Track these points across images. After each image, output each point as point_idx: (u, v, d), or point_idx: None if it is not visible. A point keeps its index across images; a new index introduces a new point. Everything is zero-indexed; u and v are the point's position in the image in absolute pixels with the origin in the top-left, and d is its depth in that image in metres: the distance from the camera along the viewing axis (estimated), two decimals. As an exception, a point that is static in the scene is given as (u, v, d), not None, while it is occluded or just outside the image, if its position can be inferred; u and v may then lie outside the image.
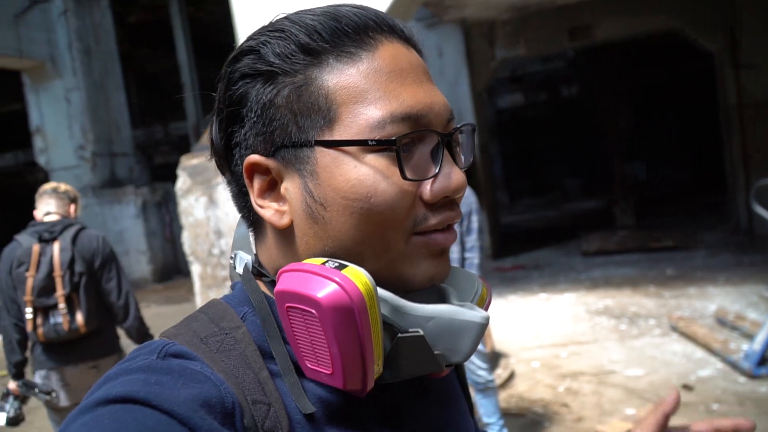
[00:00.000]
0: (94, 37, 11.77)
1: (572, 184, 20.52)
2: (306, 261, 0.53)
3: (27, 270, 2.64)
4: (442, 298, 0.60)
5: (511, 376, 4.23)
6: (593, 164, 17.79)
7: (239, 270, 0.61)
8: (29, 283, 2.63)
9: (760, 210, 4.60)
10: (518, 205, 18.24)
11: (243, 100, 0.56)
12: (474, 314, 0.54)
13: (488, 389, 2.98)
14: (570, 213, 14.31)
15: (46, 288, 2.64)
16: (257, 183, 0.57)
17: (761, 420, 3.20)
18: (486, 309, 0.61)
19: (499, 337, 5.17)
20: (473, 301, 0.61)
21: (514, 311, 6.06)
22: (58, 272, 2.65)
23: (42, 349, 2.72)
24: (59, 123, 11.24)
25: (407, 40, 0.58)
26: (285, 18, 0.56)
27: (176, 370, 0.49)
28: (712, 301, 5.47)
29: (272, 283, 0.58)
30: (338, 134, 0.53)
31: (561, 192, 20.19)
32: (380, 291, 0.52)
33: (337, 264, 0.51)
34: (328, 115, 0.53)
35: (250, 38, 0.57)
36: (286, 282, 0.51)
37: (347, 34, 0.54)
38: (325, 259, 0.53)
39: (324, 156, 0.53)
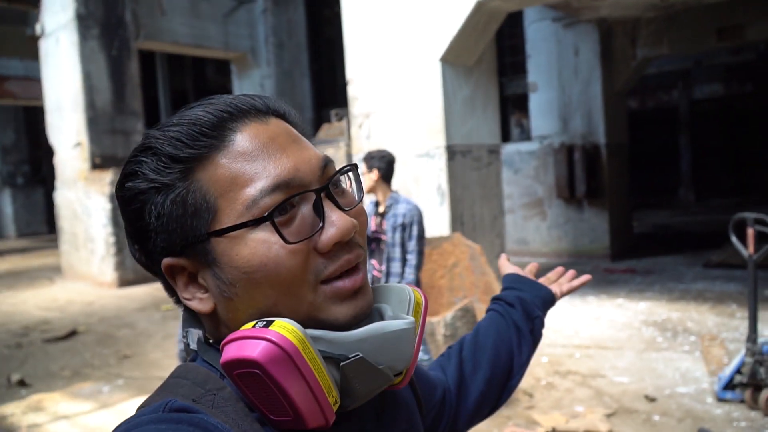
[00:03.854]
0: (287, 32, 13.66)
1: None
2: (242, 328, 0.57)
3: None
4: (381, 317, 0.66)
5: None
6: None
7: (194, 346, 0.65)
8: None
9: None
10: (701, 206, 16.97)
11: (140, 215, 0.61)
12: (399, 322, 0.60)
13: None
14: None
15: None
16: (179, 280, 0.62)
17: (687, 436, 3.45)
18: (425, 311, 0.69)
19: (535, 331, 5.61)
20: (409, 309, 0.67)
21: (576, 312, 6.34)
22: None
23: None
24: (254, 106, 13.33)
25: (266, 114, 0.63)
26: (150, 135, 0.61)
27: (185, 420, 0.52)
28: (777, 328, 5.28)
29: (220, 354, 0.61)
30: (224, 222, 0.58)
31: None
32: (312, 331, 0.58)
33: (264, 322, 0.56)
34: (211, 209, 0.59)
35: (128, 162, 0.62)
36: (228, 352, 0.56)
37: (207, 134, 0.59)
38: (254, 322, 0.57)
39: (218, 244, 0.59)
